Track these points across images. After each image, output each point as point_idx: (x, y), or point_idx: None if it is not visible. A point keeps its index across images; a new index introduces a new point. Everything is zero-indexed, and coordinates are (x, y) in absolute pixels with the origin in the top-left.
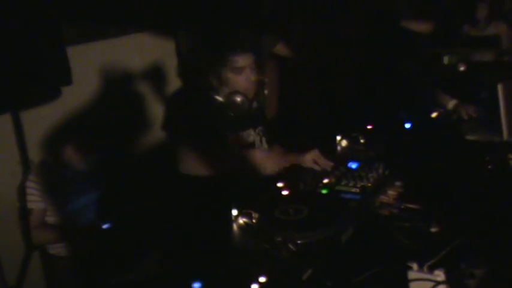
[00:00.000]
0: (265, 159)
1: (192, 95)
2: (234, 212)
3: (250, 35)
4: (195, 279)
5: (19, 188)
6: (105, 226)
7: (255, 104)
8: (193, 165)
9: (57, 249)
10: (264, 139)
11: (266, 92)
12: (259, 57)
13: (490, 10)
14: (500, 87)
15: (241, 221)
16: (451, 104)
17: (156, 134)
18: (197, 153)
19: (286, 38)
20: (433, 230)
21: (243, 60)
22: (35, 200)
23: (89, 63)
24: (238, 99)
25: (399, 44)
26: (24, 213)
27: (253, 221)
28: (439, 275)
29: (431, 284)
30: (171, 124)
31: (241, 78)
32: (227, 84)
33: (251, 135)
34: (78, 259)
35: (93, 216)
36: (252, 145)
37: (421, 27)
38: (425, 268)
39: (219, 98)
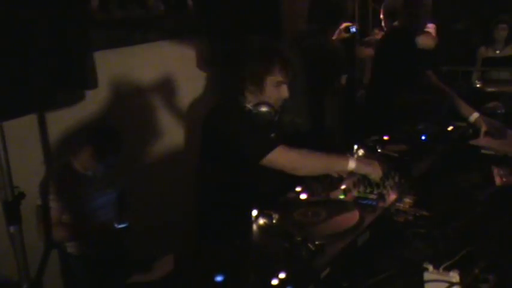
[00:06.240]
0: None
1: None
2: (254, 213)
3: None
4: (217, 273)
5: (41, 187)
6: (120, 226)
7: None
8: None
9: (75, 247)
10: None
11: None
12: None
13: (509, 31)
14: None
15: (261, 221)
16: (473, 116)
17: (173, 138)
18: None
19: None
20: (447, 236)
21: (286, 75)
22: (55, 199)
23: (111, 68)
24: (265, 109)
25: (417, 57)
26: (44, 211)
27: (274, 221)
28: (454, 276)
29: (446, 285)
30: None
31: (277, 91)
32: (261, 93)
33: None
34: (94, 258)
35: (110, 216)
36: None
37: (426, 42)
38: (440, 269)
39: (248, 106)
